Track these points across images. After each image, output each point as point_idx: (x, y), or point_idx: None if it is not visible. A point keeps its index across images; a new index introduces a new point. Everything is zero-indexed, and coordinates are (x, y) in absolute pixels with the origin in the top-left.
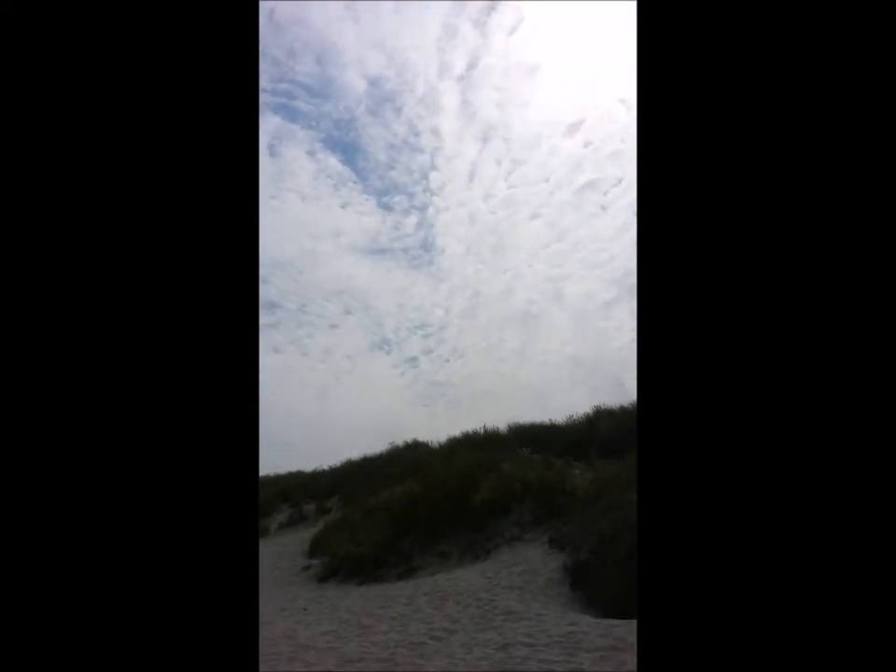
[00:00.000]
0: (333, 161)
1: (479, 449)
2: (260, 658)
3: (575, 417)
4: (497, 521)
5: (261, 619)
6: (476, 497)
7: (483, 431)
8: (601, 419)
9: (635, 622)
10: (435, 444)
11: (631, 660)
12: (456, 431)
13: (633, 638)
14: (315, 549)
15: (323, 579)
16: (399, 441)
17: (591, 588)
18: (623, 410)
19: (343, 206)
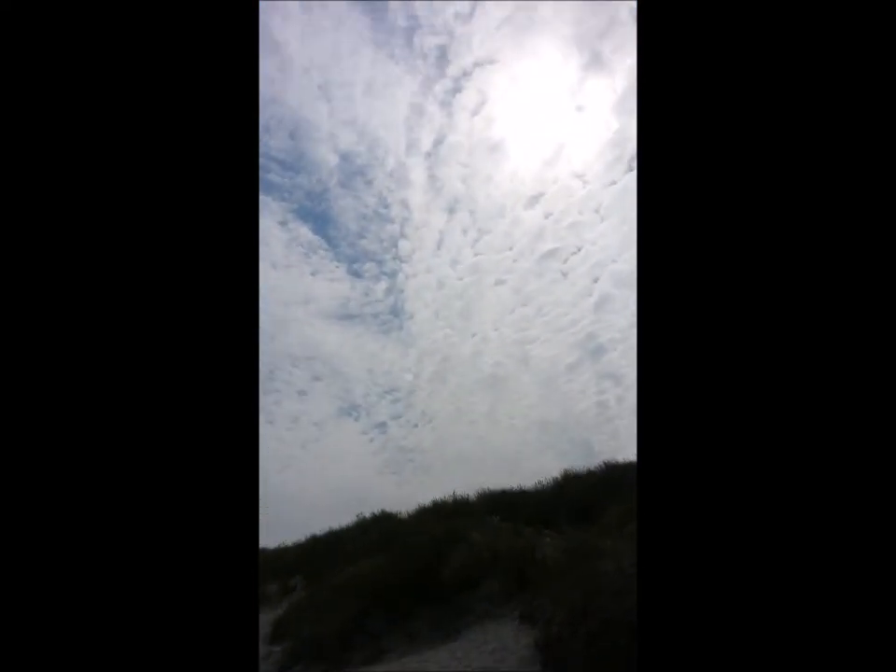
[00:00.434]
0: (305, 231)
1: (448, 518)
2: None
3: (544, 482)
4: (468, 595)
5: None
6: (445, 570)
7: (452, 499)
8: (569, 483)
9: None
10: (404, 515)
11: None
12: (426, 499)
13: None
14: (277, 633)
15: (285, 668)
16: (367, 513)
17: (562, 665)
18: (590, 473)
19: (313, 274)
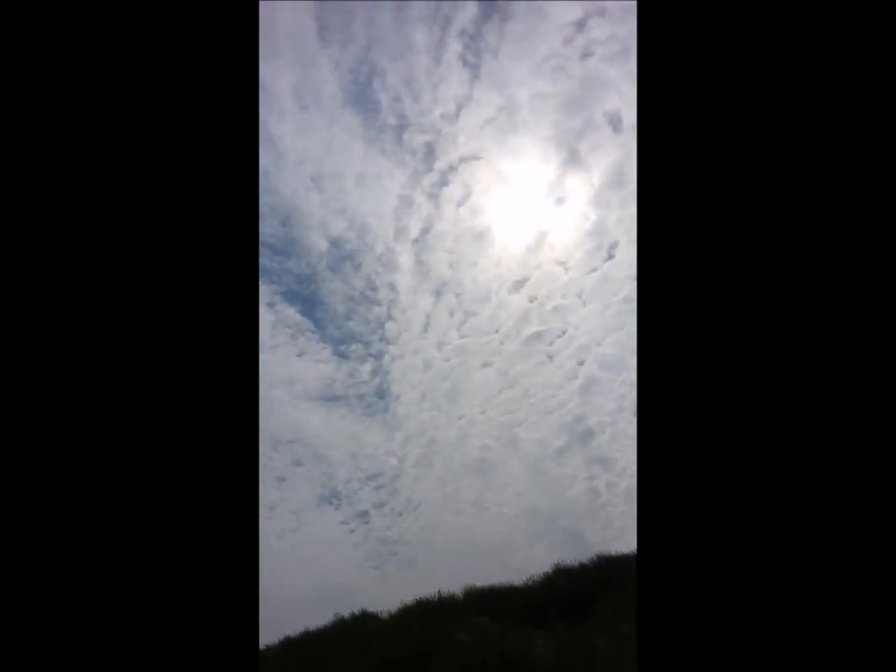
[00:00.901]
0: (292, 312)
1: (433, 618)
2: None
3: (534, 577)
4: None
5: None
6: None
7: (437, 597)
8: (561, 578)
9: None
10: (385, 615)
11: None
12: (409, 596)
13: None
14: None
15: None
16: (346, 612)
17: None
18: (582, 567)
19: (299, 355)
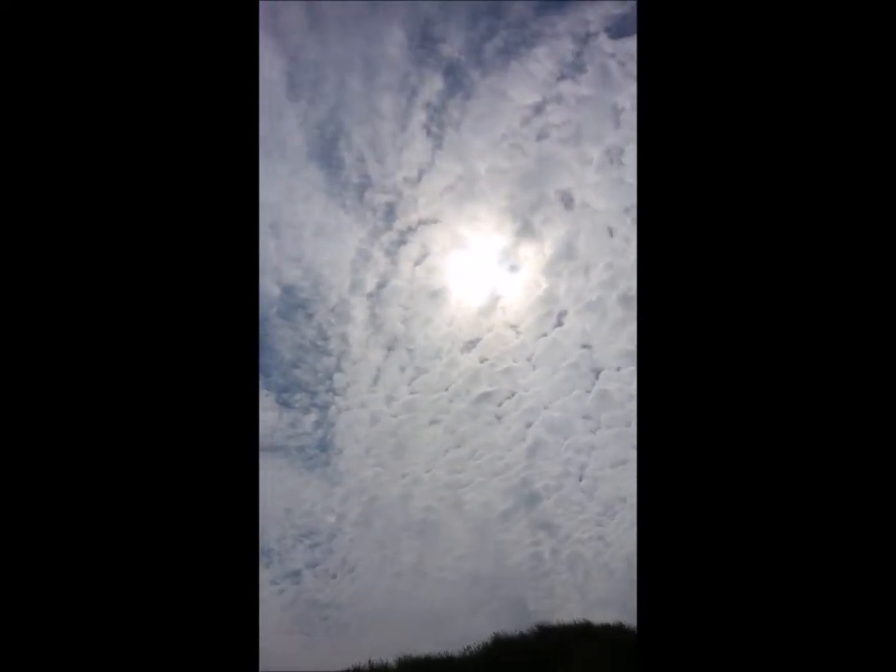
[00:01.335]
0: None
1: None
2: None
3: (473, 647)
4: None
5: None
6: None
7: (368, 666)
8: (500, 649)
9: None
10: None
11: None
12: (339, 665)
13: None
14: None
15: None
16: None
17: None
18: (522, 637)
19: None
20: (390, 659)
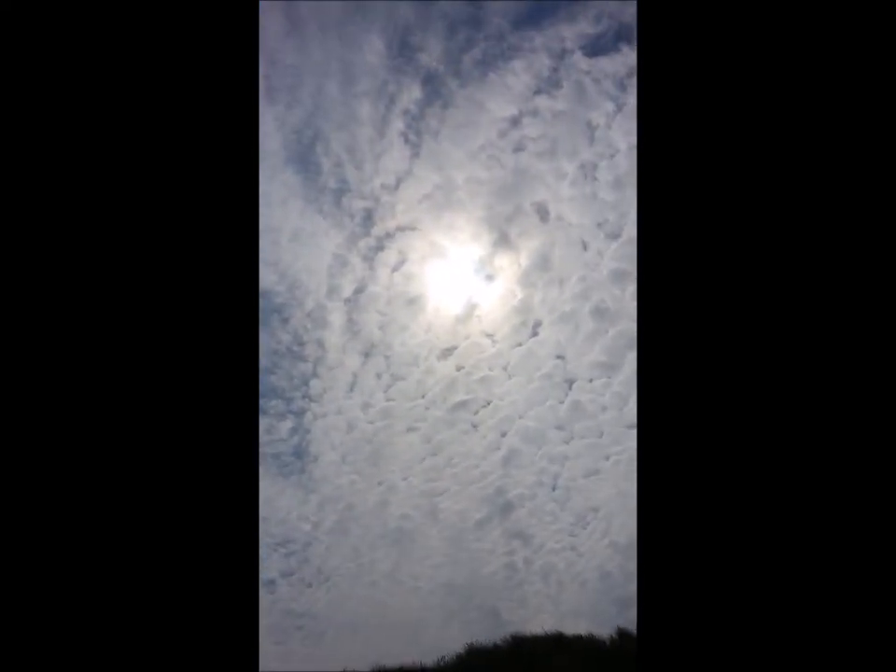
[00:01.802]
0: None
1: None
2: None
3: (446, 657)
4: None
5: None
6: None
7: None
8: (473, 659)
9: None
10: None
11: None
12: None
13: None
14: None
15: None
16: None
17: None
18: (496, 648)
19: None
20: (365, 669)
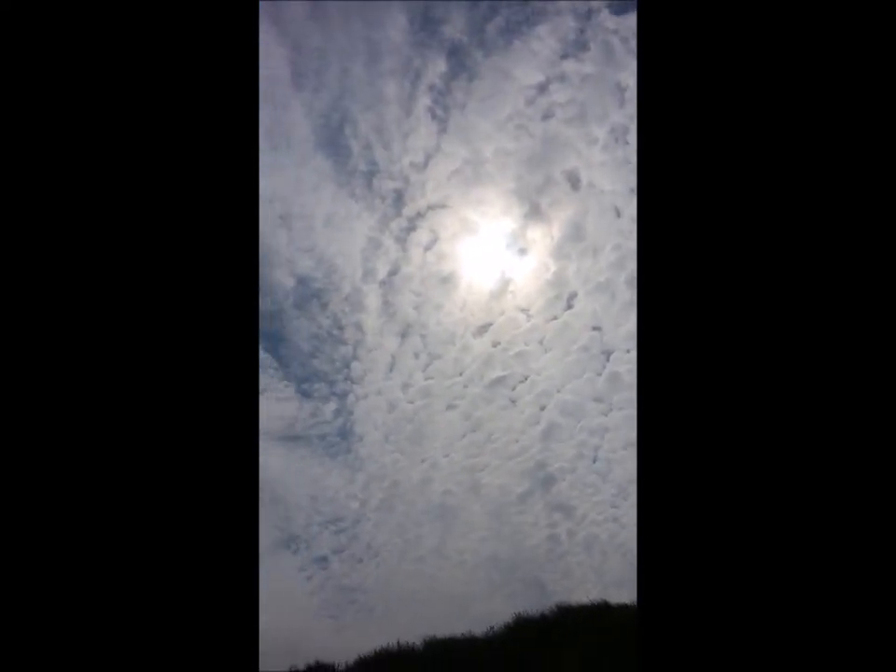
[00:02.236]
0: None
1: (392, 670)
2: None
3: (494, 627)
4: None
5: None
6: None
7: (396, 647)
8: (521, 629)
9: None
10: (342, 667)
11: None
12: (367, 647)
13: None
14: None
15: None
16: (301, 663)
17: None
18: (543, 617)
19: (261, 392)
20: (417, 640)
